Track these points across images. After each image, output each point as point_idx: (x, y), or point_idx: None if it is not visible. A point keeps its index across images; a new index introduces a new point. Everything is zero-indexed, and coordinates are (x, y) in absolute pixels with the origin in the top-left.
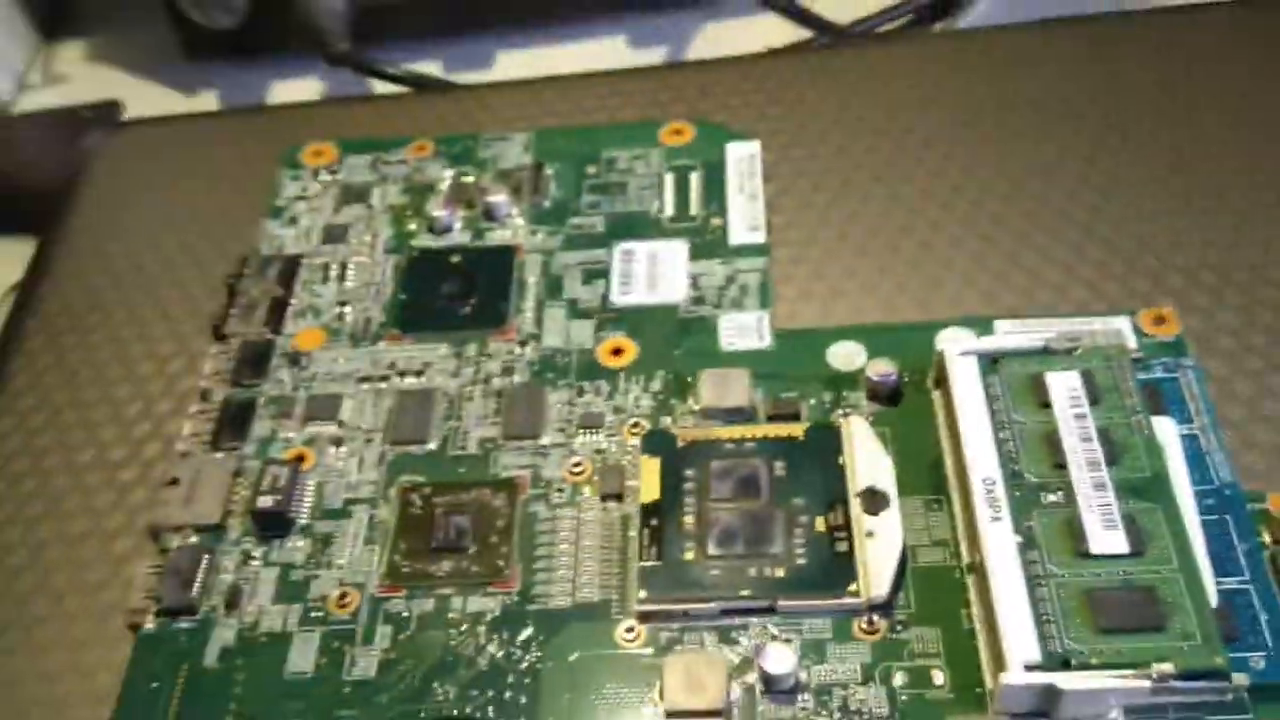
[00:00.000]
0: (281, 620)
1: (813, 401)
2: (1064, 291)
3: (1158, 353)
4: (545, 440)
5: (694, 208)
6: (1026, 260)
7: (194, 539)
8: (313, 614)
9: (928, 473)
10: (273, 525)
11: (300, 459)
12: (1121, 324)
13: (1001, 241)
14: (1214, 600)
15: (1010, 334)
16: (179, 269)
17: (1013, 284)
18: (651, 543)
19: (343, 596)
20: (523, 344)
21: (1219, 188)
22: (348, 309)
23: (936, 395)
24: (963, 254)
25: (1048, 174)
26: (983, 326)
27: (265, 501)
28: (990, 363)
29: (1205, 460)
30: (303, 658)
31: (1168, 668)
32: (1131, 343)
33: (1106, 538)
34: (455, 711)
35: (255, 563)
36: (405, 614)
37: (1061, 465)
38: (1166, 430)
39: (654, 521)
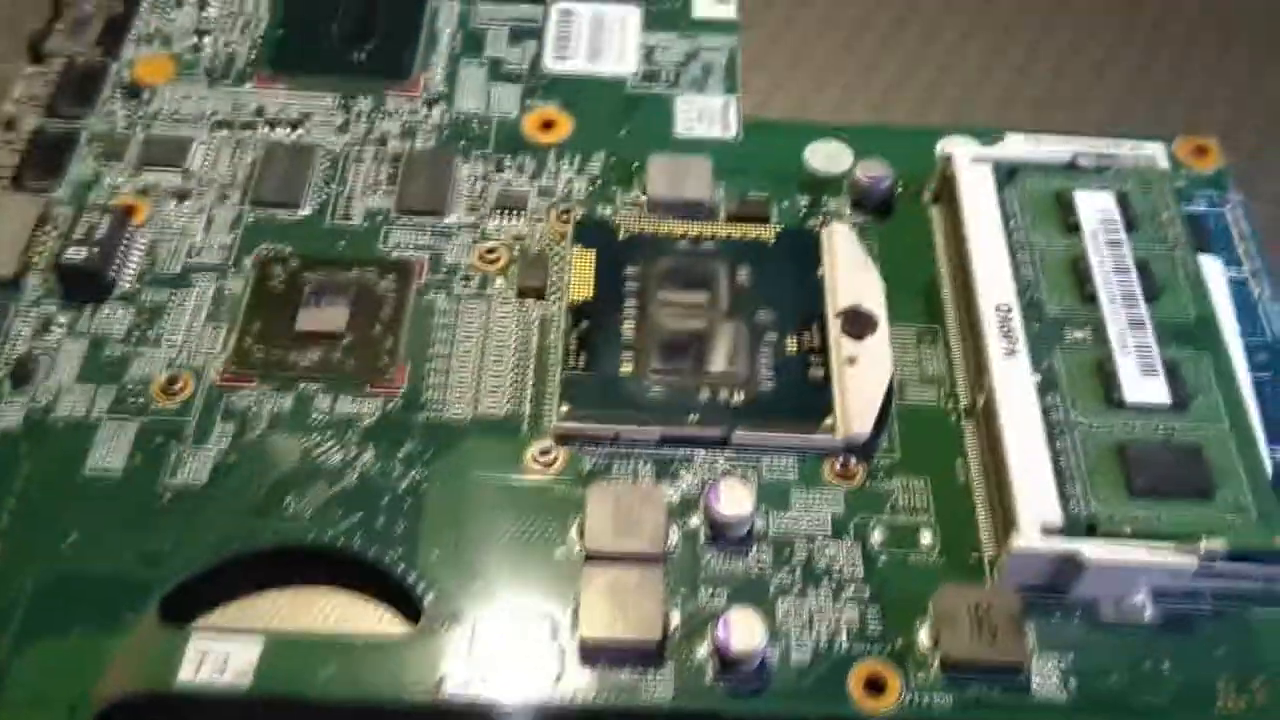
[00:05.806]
0: (86, 404)
1: (785, 204)
2: (1081, 111)
3: (1199, 186)
4: (451, 219)
5: None
6: (1039, 73)
7: None
8: (130, 401)
9: (921, 298)
10: (84, 286)
11: (129, 211)
12: (1155, 150)
13: (1012, 47)
14: (1269, 469)
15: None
16: None
17: (1022, 96)
18: (580, 349)
19: (172, 382)
20: (430, 104)
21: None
22: (206, 40)
23: (935, 211)
24: (966, 58)
25: None
26: (990, 140)
27: (76, 254)
28: (1006, 175)
29: (1256, 310)
30: (111, 453)
31: (1217, 544)
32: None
33: (1144, 385)
34: (309, 536)
35: (58, 330)
36: (254, 410)
37: (1090, 298)
38: (1212, 270)
39: (584, 324)
